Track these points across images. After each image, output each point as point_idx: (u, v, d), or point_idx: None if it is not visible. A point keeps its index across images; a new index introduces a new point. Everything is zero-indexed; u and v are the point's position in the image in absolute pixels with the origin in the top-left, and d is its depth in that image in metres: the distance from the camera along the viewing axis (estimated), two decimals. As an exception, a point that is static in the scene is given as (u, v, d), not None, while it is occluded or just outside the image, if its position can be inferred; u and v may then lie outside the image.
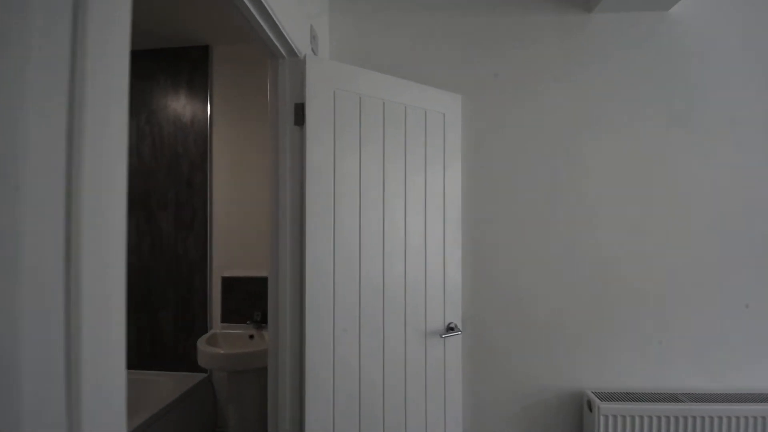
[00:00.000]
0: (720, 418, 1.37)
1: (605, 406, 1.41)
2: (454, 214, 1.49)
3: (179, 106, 2.22)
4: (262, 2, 0.89)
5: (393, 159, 1.34)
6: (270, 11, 0.93)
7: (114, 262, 0.46)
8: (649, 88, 1.55)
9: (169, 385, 2.07)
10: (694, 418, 1.38)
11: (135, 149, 2.25)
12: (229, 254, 2.21)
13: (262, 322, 2.10)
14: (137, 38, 2.28)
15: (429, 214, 1.42)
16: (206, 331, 2.18)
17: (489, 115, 1.59)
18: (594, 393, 1.50)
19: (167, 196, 2.23)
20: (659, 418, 1.39)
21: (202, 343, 1.85)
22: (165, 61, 2.24)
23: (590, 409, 1.46)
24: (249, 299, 2.15)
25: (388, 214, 1.31)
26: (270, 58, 1.17)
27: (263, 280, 2.13)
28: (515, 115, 1.59)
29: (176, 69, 2.22)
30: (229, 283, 2.18)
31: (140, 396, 2.12)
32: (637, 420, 1.40)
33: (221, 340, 2.04)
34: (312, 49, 1.26)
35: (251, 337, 2.05)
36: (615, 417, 1.41)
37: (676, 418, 1.39)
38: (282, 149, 1.16)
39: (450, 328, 1.46)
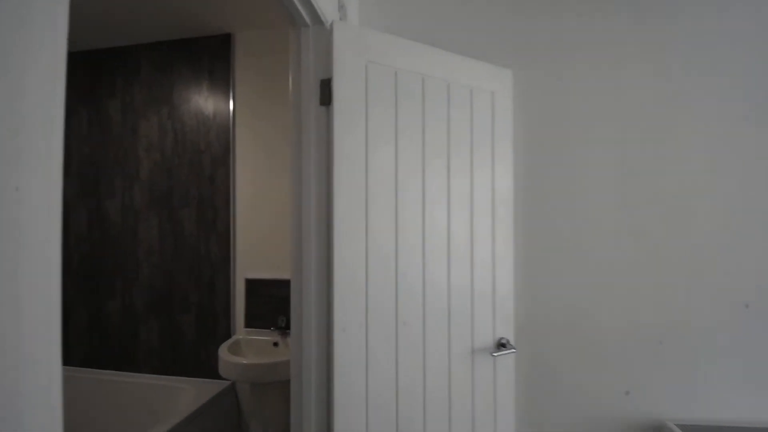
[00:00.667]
0: None
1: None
2: (505, 212, 1.27)
3: (201, 99, 2.11)
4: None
5: (434, 146, 1.13)
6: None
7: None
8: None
9: (191, 392, 1.96)
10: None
11: (158, 146, 2.16)
12: (253, 255, 2.07)
13: (286, 328, 1.95)
14: (156, 29, 2.21)
15: (476, 211, 1.21)
16: (229, 337, 2.06)
17: (547, 95, 1.35)
18: (678, 425, 1.24)
19: (189, 194, 2.13)
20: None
21: (223, 351, 1.71)
22: (185, 52, 2.13)
23: (674, 446, 1.20)
24: (274, 303, 2.01)
25: (428, 212, 1.11)
26: (292, 28, 1.00)
27: (289, 283, 1.99)
28: (581, 96, 1.34)
29: (197, 60, 2.11)
30: (253, 286, 2.04)
31: (162, 403, 2.03)
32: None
33: (244, 348, 1.90)
34: (340, 17, 1.09)
35: (275, 344, 1.90)
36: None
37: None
38: (306, 134, 0.98)
39: (501, 345, 1.24)
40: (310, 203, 0.99)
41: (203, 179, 2.11)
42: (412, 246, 1.08)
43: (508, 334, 1.26)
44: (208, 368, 2.09)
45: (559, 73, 1.35)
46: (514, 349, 1.22)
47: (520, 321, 1.32)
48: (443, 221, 1.14)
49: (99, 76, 2.24)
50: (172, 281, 2.14)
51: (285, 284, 1.99)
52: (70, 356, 2.27)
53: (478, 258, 1.21)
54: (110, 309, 2.22)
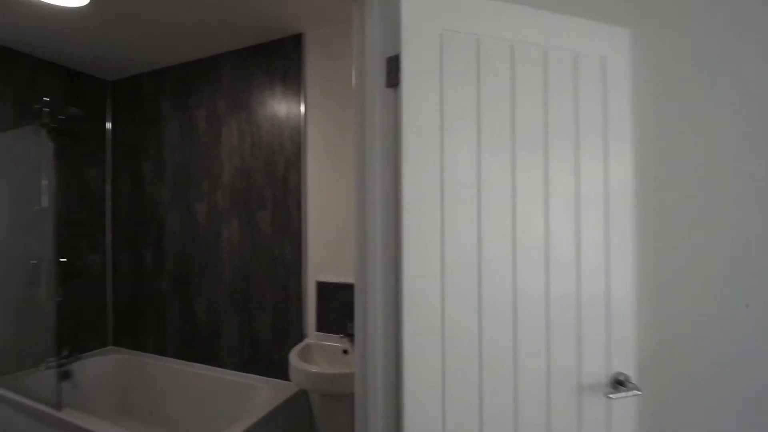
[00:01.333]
0: None
1: None
2: (623, 212, 0.99)
3: (275, 101, 2.14)
4: None
5: (527, 130, 0.91)
6: None
7: None
8: None
9: (266, 393, 1.98)
10: None
11: (237, 150, 2.25)
12: (324, 258, 2.03)
13: (357, 335, 1.86)
14: (235, 37, 2.30)
15: (583, 212, 0.95)
16: (301, 339, 2.04)
17: (681, 60, 1.03)
18: None
19: (265, 196, 2.17)
20: None
21: (294, 357, 1.68)
22: (261, 57, 2.17)
23: None
24: (344, 308, 1.93)
25: (520, 211, 0.90)
26: (354, 2, 0.87)
27: None
28: (734, 57, 0.99)
29: (271, 63, 2.14)
30: (324, 289, 1.99)
31: (240, 400, 2.08)
32: None
33: (315, 353, 1.86)
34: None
35: (345, 352, 1.82)
36: None
37: None
38: (370, 122, 0.84)
39: (618, 383, 0.96)
40: (374, 201, 0.85)
41: (277, 181, 2.13)
42: (499, 253, 0.87)
43: (627, 368, 0.98)
44: (282, 370, 2.10)
45: (699, 31, 1.02)
46: (637, 390, 0.94)
47: (644, 352, 1.02)
48: (540, 222, 0.91)
49: (189, 88, 2.41)
50: (250, 281, 2.20)
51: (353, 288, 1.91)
52: (166, 347, 2.47)
53: (586, 268, 0.95)
54: (198, 305, 2.36)
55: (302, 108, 2.05)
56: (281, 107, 2.12)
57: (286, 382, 2.06)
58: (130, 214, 2.62)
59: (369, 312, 0.85)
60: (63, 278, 2.43)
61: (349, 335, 1.83)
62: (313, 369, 1.52)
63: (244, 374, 2.19)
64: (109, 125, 2.70)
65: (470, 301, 0.85)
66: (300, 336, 2.05)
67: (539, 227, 0.91)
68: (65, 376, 2.32)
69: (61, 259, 2.40)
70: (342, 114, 1.97)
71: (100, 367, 2.46)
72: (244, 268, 2.22)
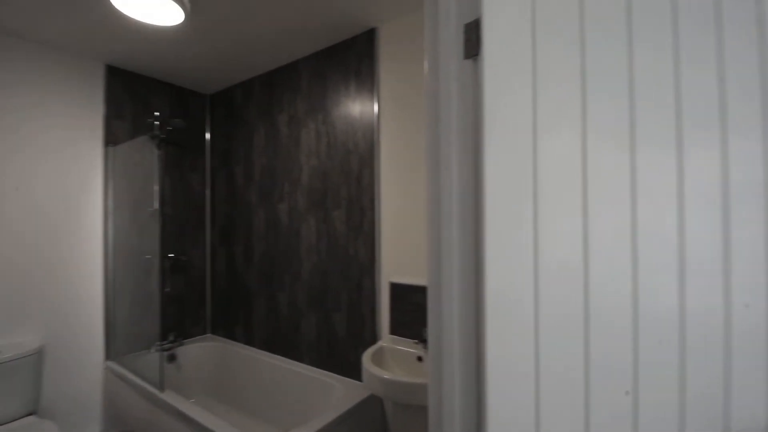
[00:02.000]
0: None
1: None
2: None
3: (349, 100, 2.13)
4: None
5: (649, 102, 0.71)
6: None
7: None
8: None
9: (341, 391, 1.97)
10: None
11: (315, 151, 2.29)
12: (398, 258, 1.95)
13: (432, 342, 1.74)
14: (311, 40, 2.36)
15: (733, 203, 0.71)
16: (375, 340, 1.99)
17: None
18: None
19: (340, 195, 2.17)
20: None
21: (367, 360, 1.62)
22: (335, 57, 2.19)
23: None
24: (417, 312, 1.83)
25: (642, 209, 0.70)
26: (426, -34, 0.76)
27: None
28: None
29: (345, 62, 2.14)
30: (397, 291, 1.92)
31: (316, 397, 2.11)
32: None
33: (388, 357, 1.78)
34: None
35: (420, 359, 1.71)
36: None
37: None
38: (445, 101, 0.73)
39: (795, 441, 0.70)
40: (450, 196, 0.73)
41: (351, 180, 2.11)
42: (612, 259, 0.69)
43: (808, 421, 0.71)
44: (356, 370, 2.08)
45: None
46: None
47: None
48: (671, 221, 0.70)
49: (272, 95, 2.54)
50: (326, 280, 2.23)
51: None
52: (254, 338, 2.64)
53: (738, 275, 0.71)
54: (281, 300, 2.47)
55: (375, 105, 2.01)
56: (355, 106, 2.10)
57: (360, 383, 2.03)
58: (225, 215, 2.86)
59: (444, 321, 0.73)
60: (170, 271, 2.75)
61: (424, 341, 1.72)
62: (386, 375, 1.45)
63: (321, 371, 2.22)
64: (207, 135, 3.00)
65: (573, 317, 0.68)
66: (373, 338, 2.01)
67: (670, 227, 0.70)
68: (171, 359, 2.62)
69: (169, 255, 2.71)
70: (415, 107, 1.87)
71: (198, 352, 2.72)
72: (321, 267, 2.25)
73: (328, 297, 2.22)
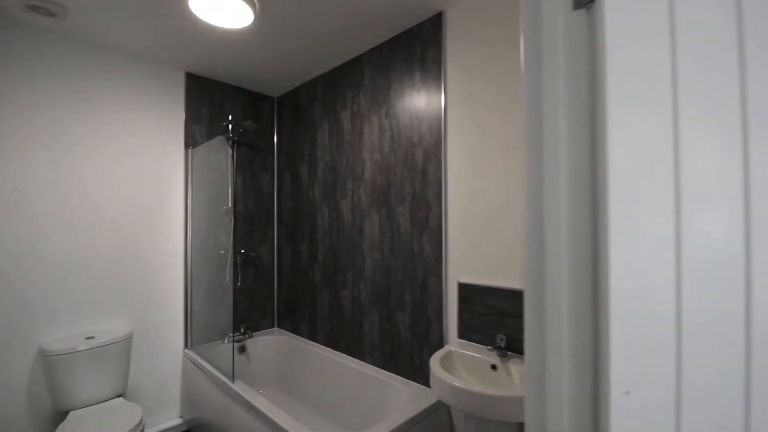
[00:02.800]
0: None
1: None
2: None
3: (414, 90, 2.04)
4: None
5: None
6: None
7: None
8: None
9: (406, 395, 1.89)
10: None
11: (378, 146, 2.24)
12: (467, 257, 1.82)
13: (507, 349, 1.59)
14: (374, 32, 2.31)
15: None
16: (441, 344, 1.87)
17: None
18: None
19: (404, 190, 2.09)
20: None
21: (435, 364, 1.52)
22: (399, 48, 2.11)
23: None
24: (489, 315, 1.69)
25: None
26: None
27: (509, 294, 1.64)
28: None
29: (410, 51, 2.05)
30: (466, 292, 1.79)
31: (378, 398, 2.05)
32: None
33: (458, 364, 1.66)
34: None
35: (494, 368, 1.57)
36: None
37: None
38: (549, 64, 0.60)
39: None
40: (557, 181, 0.60)
41: (416, 174, 2.02)
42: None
43: None
44: (422, 374, 1.98)
45: None
46: None
47: None
48: None
49: (335, 92, 2.54)
50: (389, 278, 2.16)
51: (505, 295, 1.64)
52: (317, 334, 2.67)
53: None
54: (343, 297, 2.46)
55: (442, 94, 1.89)
56: (420, 97, 2.00)
57: (426, 388, 1.93)
58: (291, 213, 2.94)
59: (549, 332, 0.60)
60: (241, 267, 2.88)
61: (499, 348, 1.57)
62: (458, 383, 1.33)
63: (384, 372, 2.16)
64: (275, 137, 3.10)
65: (731, 320, 0.52)
66: (440, 341, 1.90)
67: None
68: (242, 350, 2.74)
69: (240, 251, 2.85)
70: (486, 94, 1.72)
71: (266, 345, 2.82)
72: (384, 264, 2.19)
73: (392, 295, 2.15)
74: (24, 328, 1.98)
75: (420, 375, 1.99)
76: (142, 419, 1.87)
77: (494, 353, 1.58)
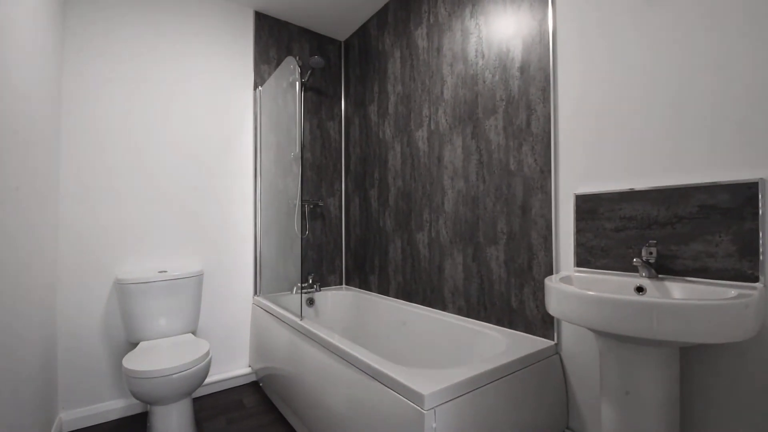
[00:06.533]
0: None
1: None
2: None
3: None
4: None
5: None
6: None
7: None
8: None
9: (502, 342, 1.51)
10: None
11: (460, 56, 1.90)
12: (588, 159, 1.40)
13: (656, 269, 1.14)
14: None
15: None
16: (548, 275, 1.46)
17: None
18: None
19: (495, 103, 1.72)
20: None
21: (554, 281, 1.13)
22: None
23: None
24: (627, 230, 1.24)
25: None
26: None
27: (660, 195, 1.16)
28: None
29: (503, -77, 1.68)
30: (589, 205, 1.36)
31: (469, 352, 1.69)
32: None
33: (583, 288, 1.25)
34: None
35: (639, 290, 1.13)
36: None
37: None
38: None
39: None
40: None
41: (510, 75, 1.64)
42: None
43: None
44: (521, 319, 1.59)
45: None
46: None
47: None
48: None
49: (408, 10, 2.25)
50: (476, 207, 1.80)
51: (653, 197, 1.17)
52: (389, 288, 2.38)
53: None
54: (418, 241, 2.15)
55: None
56: None
57: (529, 335, 1.53)
58: (359, 160, 2.71)
59: None
60: (309, 218, 2.72)
61: (647, 264, 1.13)
62: (592, 292, 0.93)
63: (471, 320, 1.80)
64: (342, 84, 2.91)
65: None
66: (549, 274, 1.49)
67: None
68: (310, 302, 2.56)
69: (308, 201, 2.68)
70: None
71: (335, 299, 2.61)
72: (470, 193, 1.84)
73: (479, 229, 1.79)
74: (102, 259, 1.99)
75: (519, 320, 1.59)
76: (209, 351, 1.74)
77: (644, 270, 1.14)
